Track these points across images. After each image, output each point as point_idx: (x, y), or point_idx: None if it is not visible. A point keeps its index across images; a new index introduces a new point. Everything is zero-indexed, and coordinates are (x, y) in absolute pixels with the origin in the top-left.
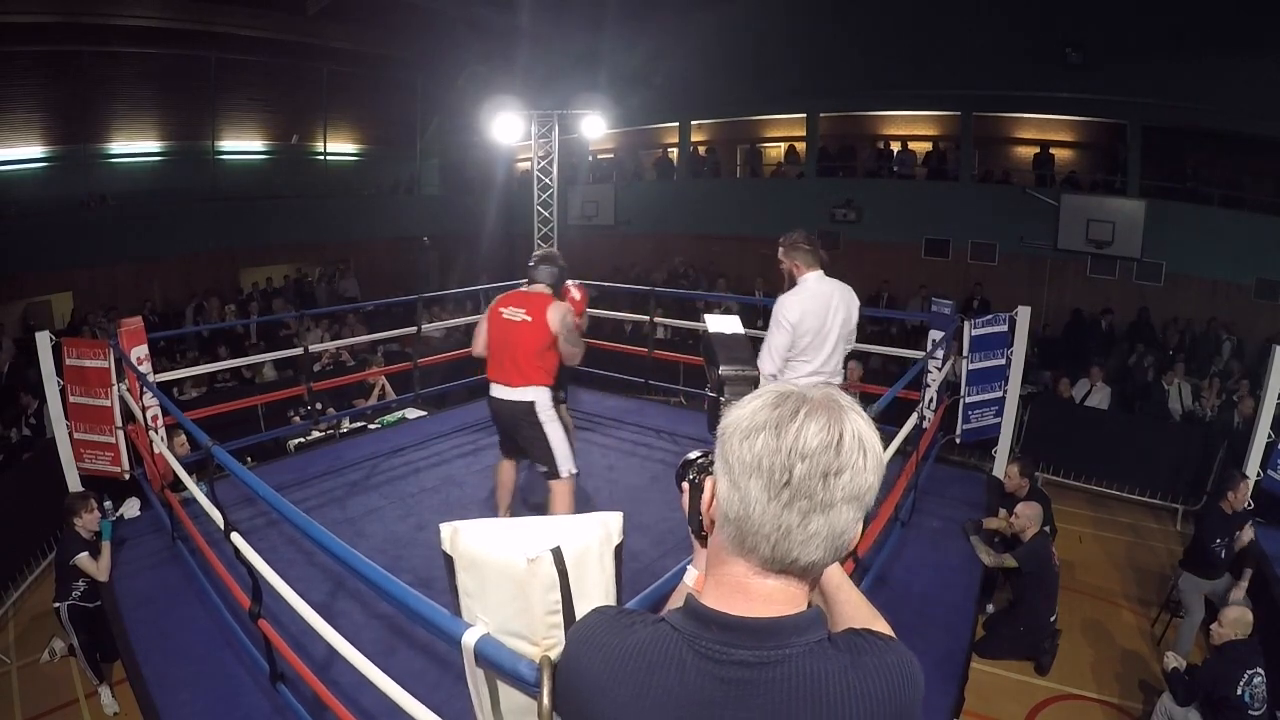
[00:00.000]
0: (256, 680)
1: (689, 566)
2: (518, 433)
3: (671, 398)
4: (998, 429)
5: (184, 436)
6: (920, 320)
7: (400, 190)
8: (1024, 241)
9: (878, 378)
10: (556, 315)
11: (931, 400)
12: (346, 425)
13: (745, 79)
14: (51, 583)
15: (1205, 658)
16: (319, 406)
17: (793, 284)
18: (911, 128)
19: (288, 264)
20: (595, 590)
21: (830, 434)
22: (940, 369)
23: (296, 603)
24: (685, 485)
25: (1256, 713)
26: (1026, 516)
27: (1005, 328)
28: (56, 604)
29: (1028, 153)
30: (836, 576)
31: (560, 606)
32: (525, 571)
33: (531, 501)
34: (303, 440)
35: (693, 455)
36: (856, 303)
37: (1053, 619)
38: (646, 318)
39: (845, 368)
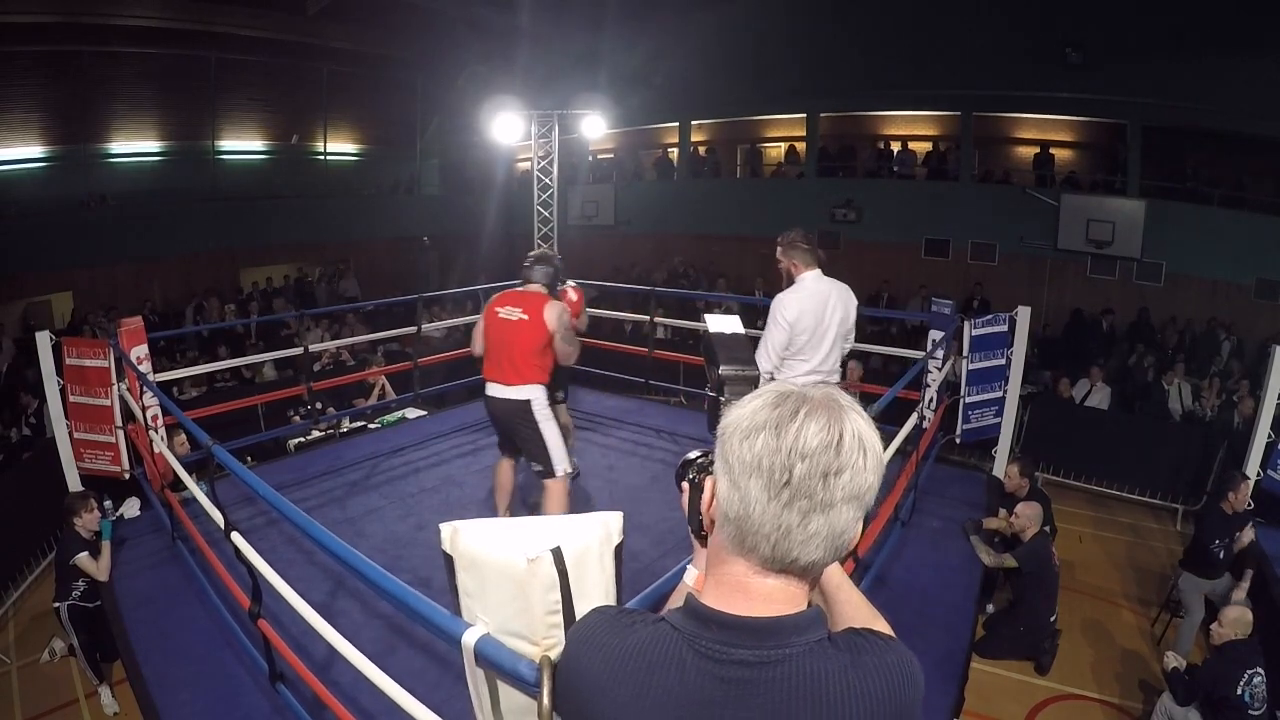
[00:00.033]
0: (256, 680)
1: (689, 566)
2: (514, 431)
3: (671, 398)
4: (998, 429)
5: (184, 436)
6: (920, 320)
7: (400, 190)
8: (1024, 241)
9: (878, 378)
10: (554, 314)
11: (931, 400)
12: (346, 425)
13: (745, 79)
14: (51, 582)
15: (1205, 658)
16: (319, 406)
17: (791, 283)
18: (911, 128)
19: (288, 264)
20: (595, 590)
21: (830, 434)
22: (940, 369)
23: (296, 602)
24: (685, 485)
25: (1256, 712)
26: (1026, 516)
27: (1005, 328)
28: (56, 604)
29: (1028, 153)
30: (836, 576)
31: (560, 606)
32: (525, 571)
33: (531, 501)
34: (303, 440)
35: (693, 455)
36: (854, 302)
37: (1053, 619)
38: (646, 318)
39: (845, 368)
